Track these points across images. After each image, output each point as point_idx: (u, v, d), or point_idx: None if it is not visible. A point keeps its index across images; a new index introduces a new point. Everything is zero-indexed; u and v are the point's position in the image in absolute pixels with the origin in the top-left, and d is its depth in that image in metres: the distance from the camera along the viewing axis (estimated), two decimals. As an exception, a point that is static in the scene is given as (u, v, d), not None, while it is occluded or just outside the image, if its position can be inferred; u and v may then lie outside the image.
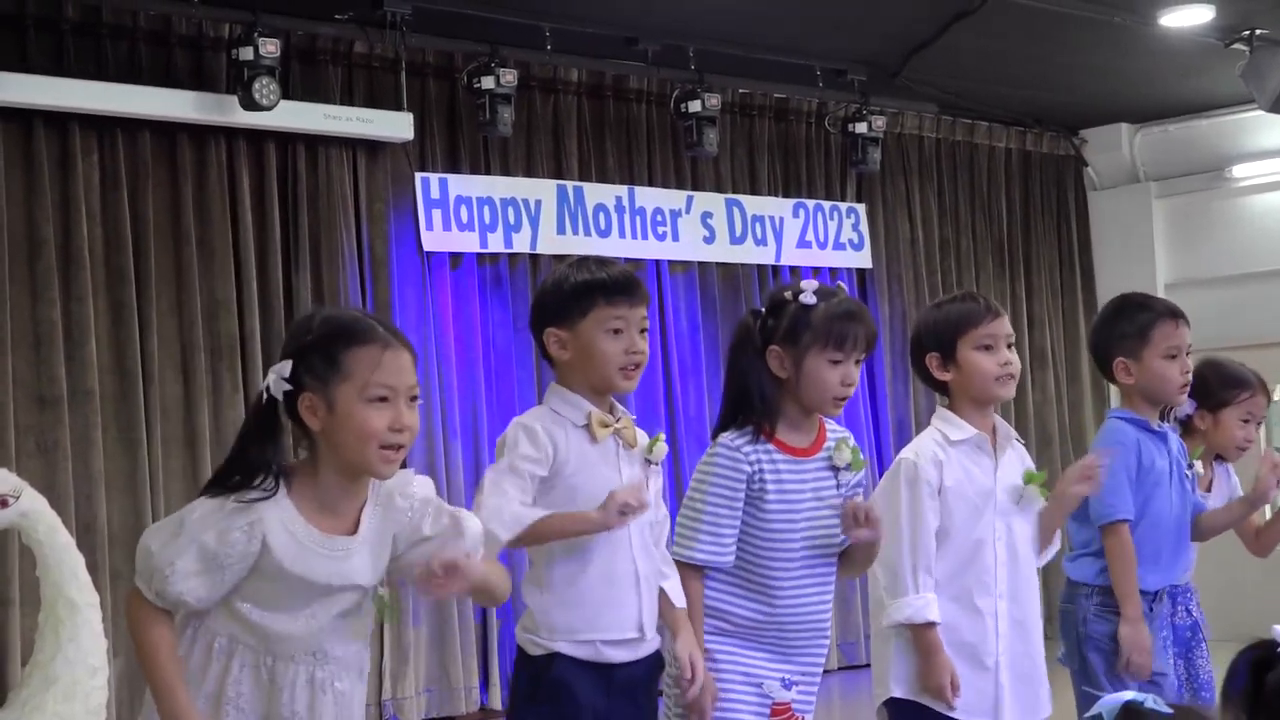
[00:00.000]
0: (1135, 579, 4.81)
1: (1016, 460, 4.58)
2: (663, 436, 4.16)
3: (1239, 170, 12.11)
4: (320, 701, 3.42)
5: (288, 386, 3.34)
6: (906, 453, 4.53)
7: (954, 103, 11.93)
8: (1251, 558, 5.53)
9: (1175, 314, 5.02)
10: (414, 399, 3.39)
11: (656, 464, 4.16)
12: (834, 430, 4.30)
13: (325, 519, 3.39)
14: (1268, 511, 5.66)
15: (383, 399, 3.32)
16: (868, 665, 7.84)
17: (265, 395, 3.38)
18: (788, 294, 4.20)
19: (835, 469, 4.23)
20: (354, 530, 3.42)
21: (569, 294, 4.02)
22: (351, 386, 3.31)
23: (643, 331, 4.03)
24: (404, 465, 3.49)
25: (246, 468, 3.35)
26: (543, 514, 3.89)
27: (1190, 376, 5.01)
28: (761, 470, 4.12)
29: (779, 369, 4.15)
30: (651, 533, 4.12)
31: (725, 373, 4.30)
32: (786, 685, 4.17)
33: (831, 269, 11.39)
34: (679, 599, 4.14)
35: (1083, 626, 4.88)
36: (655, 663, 4.10)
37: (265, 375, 3.42)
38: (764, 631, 4.16)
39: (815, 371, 4.12)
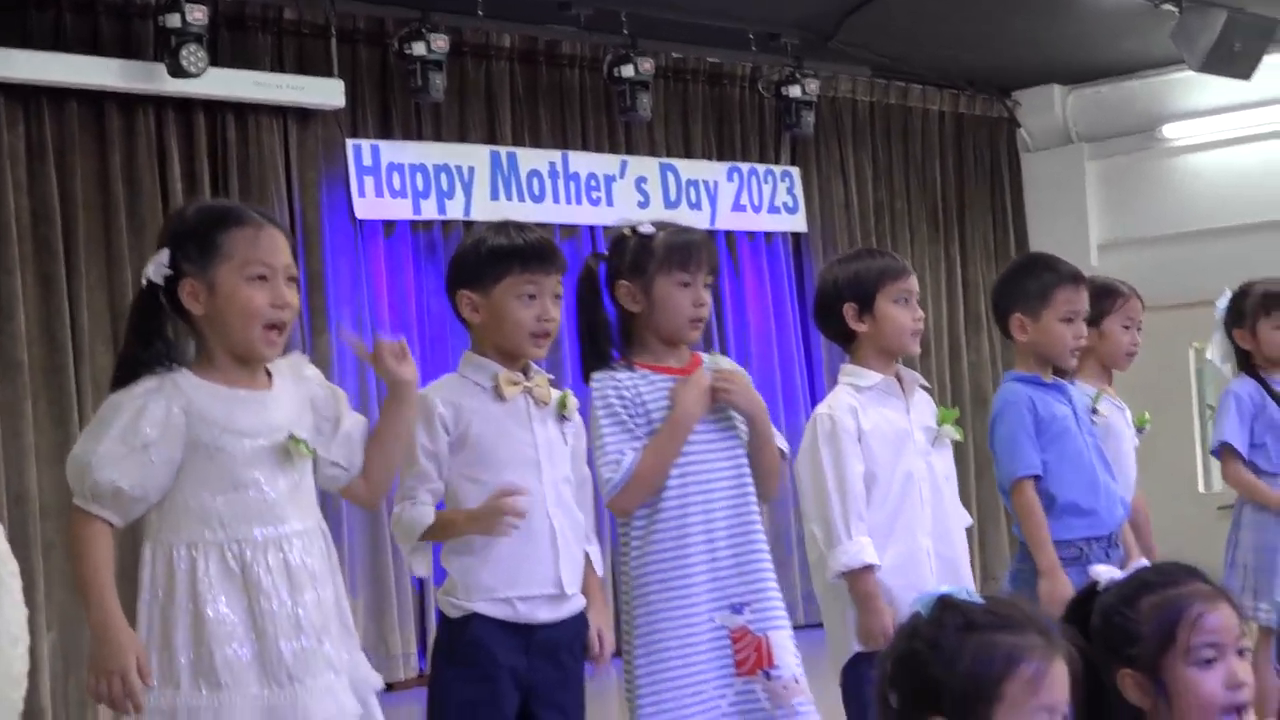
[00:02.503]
0: (1046, 531, 4.85)
1: (926, 403, 4.69)
2: (570, 392, 4.16)
3: (1170, 130, 12.16)
4: (298, 581, 3.44)
5: (169, 271, 3.41)
6: (820, 409, 4.63)
7: (887, 66, 11.93)
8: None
9: (1078, 279, 5.11)
10: (291, 279, 3.48)
11: (571, 420, 4.18)
12: (707, 355, 4.34)
13: (233, 385, 3.47)
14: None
15: (262, 277, 3.42)
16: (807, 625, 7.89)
17: (146, 285, 3.43)
18: (626, 231, 4.27)
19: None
20: (267, 388, 3.52)
21: (485, 258, 4.05)
22: (231, 266, 3.41)
23: (556, 299, 4.07)
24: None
25: (139, 362, 3.42)
26: (426, 520, 3.97)
27: (1084, 342, 5.07)
28: (640, 393, 4.16)
29: (630, 303, 4.20)
30: (575, 492, 4.13)
31: (576, 319, 4.31)
32: (737, 610, 4.18)
33: (766, 233, 11.41)
34: (598, 565, 4.22)
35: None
36: (579, 625, 4.12)
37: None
38: (691, 556, 4.15)
39: (666, 296, 4.16)
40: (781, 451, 4.34)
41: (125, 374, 3.43)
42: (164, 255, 3.43)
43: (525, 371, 4.11)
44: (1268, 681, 3.16)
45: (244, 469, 3.43)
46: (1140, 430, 5.69)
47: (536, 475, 4.02)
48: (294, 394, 3.57)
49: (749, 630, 4.18)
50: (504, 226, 4.16)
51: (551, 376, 4.23)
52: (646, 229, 4.23)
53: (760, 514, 4.31)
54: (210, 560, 3.39)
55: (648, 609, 4.13)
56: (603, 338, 4.22)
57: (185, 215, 3.57)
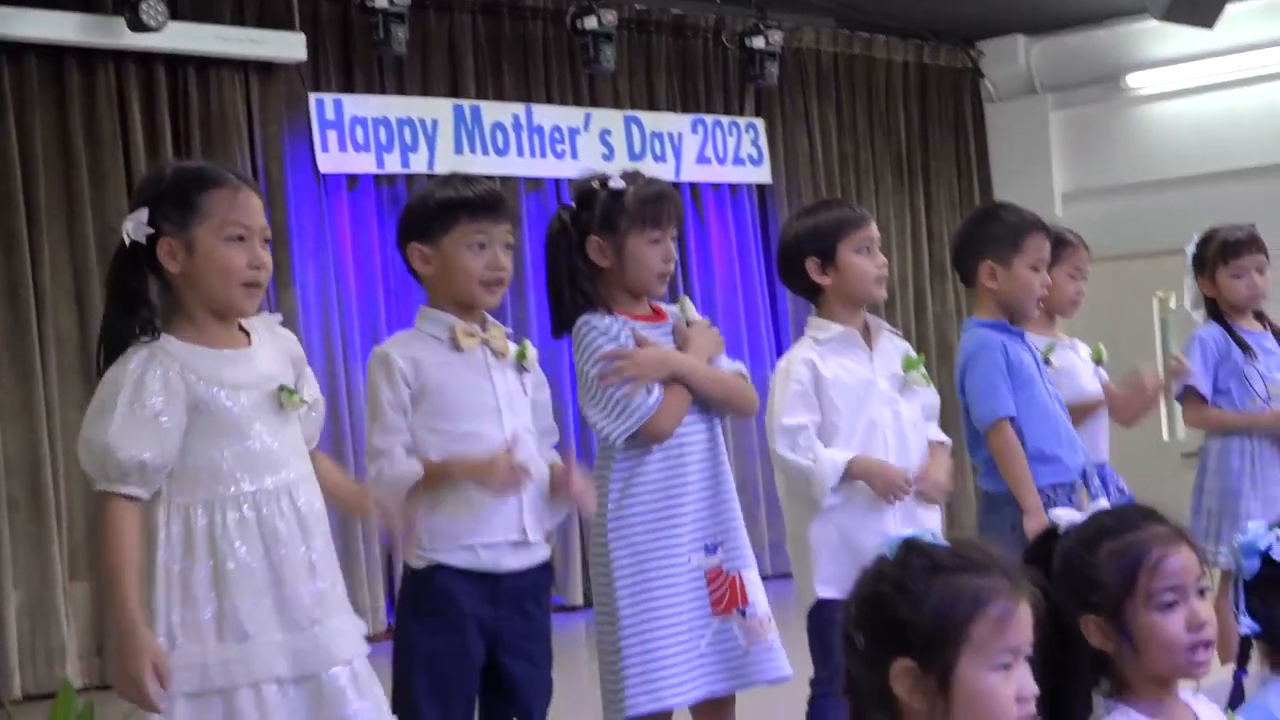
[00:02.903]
0: (1028, 471, 4.88)
1: (894, 350, 4.71)
2: (529, 343, 4.17)
3: (1134, 80, 12.18)
4: (309, 527, 3.51)
5: (150, 230, 3.44)
6: (780, 362, 4.69)
7: (851, 16, 11.92)
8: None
9: (1044, 228, 5.14)
10: (265, 240, 3.53)
11: (531, 371, 4.20)
12: (673, 305, 4.39)
13: (217, 344, 3.51)
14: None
15: (240, 238, 3.47)
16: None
17: (124, 244, 3.46)
18: (594, 184, 4.28)
19: (689, 323, 4.33)
20: (247, 345, 3.57)
21: (433, 210, 4.07)
22: (210, 226, 3.45)
23: (507, 248, 4.09)
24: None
25: (127, 331, 3.44)
26: (414, 473, 3.97)
27: (1047, 290, 5.09)
28: (619, 339, 4.18)
29: (600, 258, 4.23)
30: (536, 443, 4.14)
31: (546, 272, 4.34)
32: (711, 550, 4.23)
33: (731, 185, 11.40)
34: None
35: (1011, 533, 4.93)
36: (544, 575, 4.15)
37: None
38: (678, 498, 4.20)
39: (637, 253, 4.20)
40: (741, 374, 4.39)
41: (114, 344, 3.46)
42: (143, 214, 3.45)
43: (482, 324, 4.12)
44: (1228, 625, 3.18)
45: (245, 422, 3.48)
46: (1098, 364, 5.72)
47: (498, 424, 4.04)
48: (273, 348, 3.62)
49: (723, 570, 4.24)
50: (451, 179, 4.19)
51: (509, 330, 4.24)
52: (616, 184, 4.24)
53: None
54: (228, 514, 3.44)
55: (633, 551, 4.16)
56: (583, 286, 4.24)
57: (163, 175, 3.59)
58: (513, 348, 4.15)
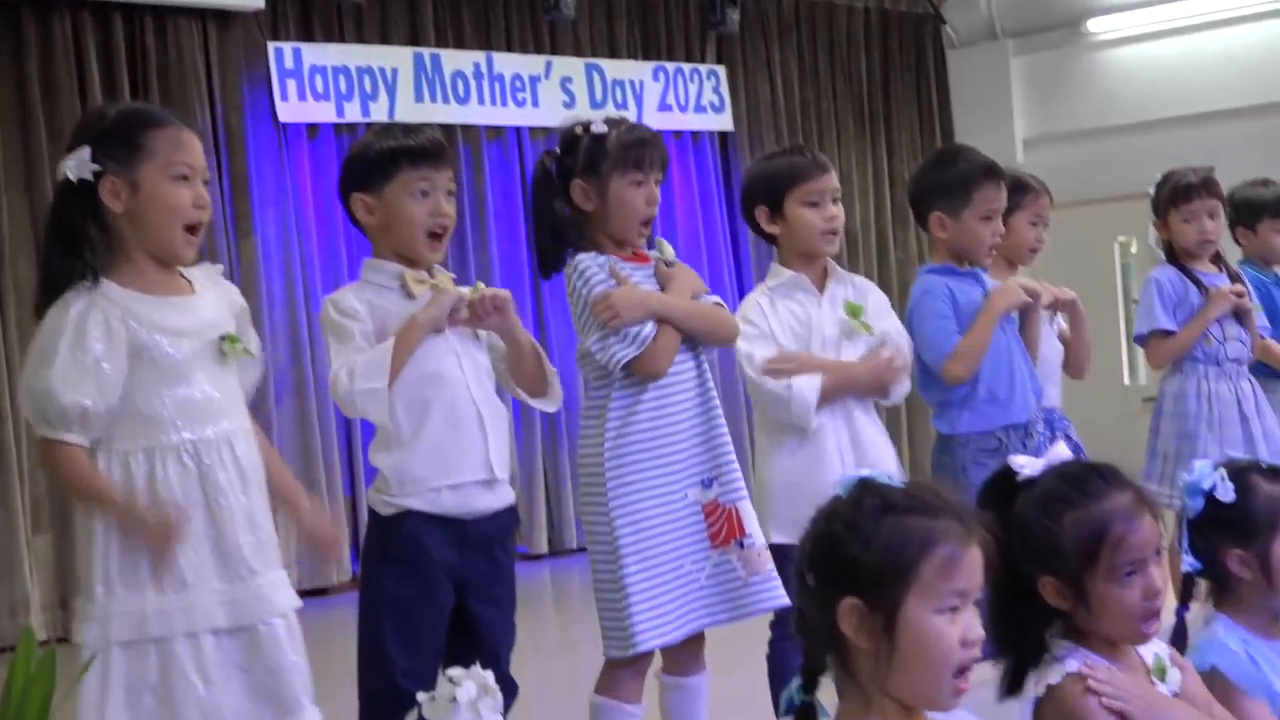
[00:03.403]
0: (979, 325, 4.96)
1: (848, 294, 4.70)
2: (481, 285, 4.17)
3: (1095, 25, 12.19)
4: (248, 477, 3.52)
5: (95, 167, 3.43)
6: (739, 308, 4.71)
7: (812, -38, 11.89)
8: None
9: (997, 174, 5.12)
10: (205, 182, 3.54)
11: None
12: (651, 249, 4.39)
13: (158, 291, 3.50)
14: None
15: (184, 177, 3.47)
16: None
17: (64, 184, 3.44)
18: (578, 129, 4.28)
19: (667, 265, 4.33)
20: (190, 293, 3.56)
21: (374, 159, 4.06)
22: (155, 165, 3.46)
23: (449, 195, 4.09)
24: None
25: (69, 272, 3.43)
26: (388, 343, 3.93)
27: (1000, 238, 5.10)
28: (607, 276, 4.18)
29: (584, 202, 4.23)
30: (490, 380, 4.15)
31: (532, 217, 4.36)
32: (707, 484, 4.25)
33: (693, 132, 11.38)
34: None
35: (962, 475, 4.95)
36: (509, 518, 4.15)
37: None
38: (675, 432, 4.21)
39: (620, 195, 4.20)
40: (719, 304, 4.40)
41: (53, 284, 3.44)
42: (85, 153, 3.44)
43: (429, 271, 4.12)
44: (1177, 563, 3.22)
45: (187, 370, 3.47)
46: (1054, 310, 5.72)
47: (456, 363, 4.04)
48: (216, 297, 3.61)
49: (719, 503, 4.26)
50: (391, 128, 4.19)
51: (454, 275, 4.23)
52: (599, 128, 4.24)
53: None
54: (168, 463, 3.43)
55: (631, 489, 4.17)
56: (569, 232, 4.25)
57: (104, 114, 3.57)
58: (465, 289, 4.14)
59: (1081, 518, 2.70)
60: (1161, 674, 2.73)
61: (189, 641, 3.40)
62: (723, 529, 4.24)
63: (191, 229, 3.50)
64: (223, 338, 3.54)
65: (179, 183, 3.46)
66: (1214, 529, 3.11)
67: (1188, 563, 3.14)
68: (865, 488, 2.41)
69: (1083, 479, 2.80)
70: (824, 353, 4.59)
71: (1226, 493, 3.08)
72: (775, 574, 4.26)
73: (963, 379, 4.93)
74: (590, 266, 4.17)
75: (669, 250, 4.42)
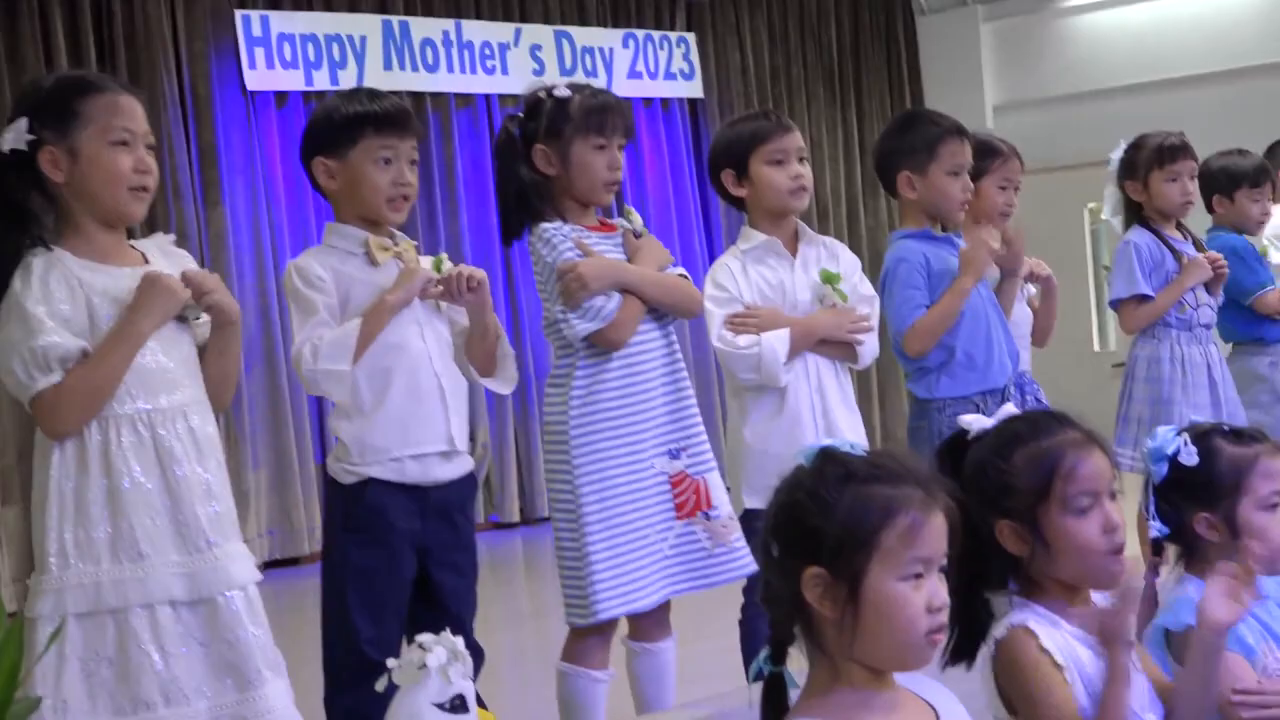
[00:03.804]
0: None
1: (821, 254, 4.70)
2: (445, 256, 4.16)
3: (1064, -9, 12.20)
4: (204, 448, 3.48)
5: (31, 137, 3.39)
6: (709, 272, 4.69)
7: (781, -72, 11.86)
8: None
9: (961, 132, 5.12)
10: (150, 146, 3.50)
11: None
12: (620, 218, 4.39)
13: (110, 261, 3.46)
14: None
15: (124, 142, 3.43)
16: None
17: (2, 157, 3.40)
18: (541, 94, 4.28)
19: (635, 234, 4.34)
20: (143, 264, 3.52)
21: (338, 124, 4.03)
22: (94, 131, 3.42)
23: (412, 164, 4.07)
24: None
25: (18, 244, 3.39)
26: (355, 323, 3.92)
27: (970, 195, 5.10)
28: (572, 246, 4.18)
29: (546, 166, 4.23)
30: (450, 351, 4.14)
31: (496, 181, 4.34)
32: (675, 455, 4.26)
33: (663, 99, 11.36)
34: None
35: (938, 440, 4.96)
36: (469, 485, 4.15)
37: None
38: (641, 402, 4.21)
39: (582, 159, 4.20)
40: (684, 275, 4.40)
41: (3, 261, 3.39)
42: (22, 123, 3.40)
43: (391, 239, 4.10)
44: (1145, 529, 3.24)
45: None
46: (1029, 280, 5.74)
47: (419, 334, 4.03)
48: (169, 268, 3.56)
49: (687, 474, 4.26)
50: (356, 93, 4.17)
51: (416, 243, 4.22)
52: (562, 92, 4.24)
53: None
54: (122, 432, 3.40)
55: (597, 457, 4.17)
56: (533, 197, 4.23)
57: (41, 85, 3.54)
58: (427, 260, 4.12)
59: (1032, 452, 2.71)
60: None
61: (146, 613, 3.37)
62: (689, 500, 4.25)
63: (137, 190, 3.46)
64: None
65: (118, 148, 3.42)
66: (1180, 494, 3.11)
67: (1155, 528, 3.14)
68: (827, 457, 2.41)
69: (1034, 420, 2.82)
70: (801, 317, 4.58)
71: (1190, 457, 3.08)
72: (742, 544, 4.27)
73: (922, 354, 4.93)
74: (556, 235, 4.16)
75: (637, 219, 4.41)
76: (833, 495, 2.33)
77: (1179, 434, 3.13)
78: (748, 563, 4.27)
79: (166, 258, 3.59)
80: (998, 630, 2.71)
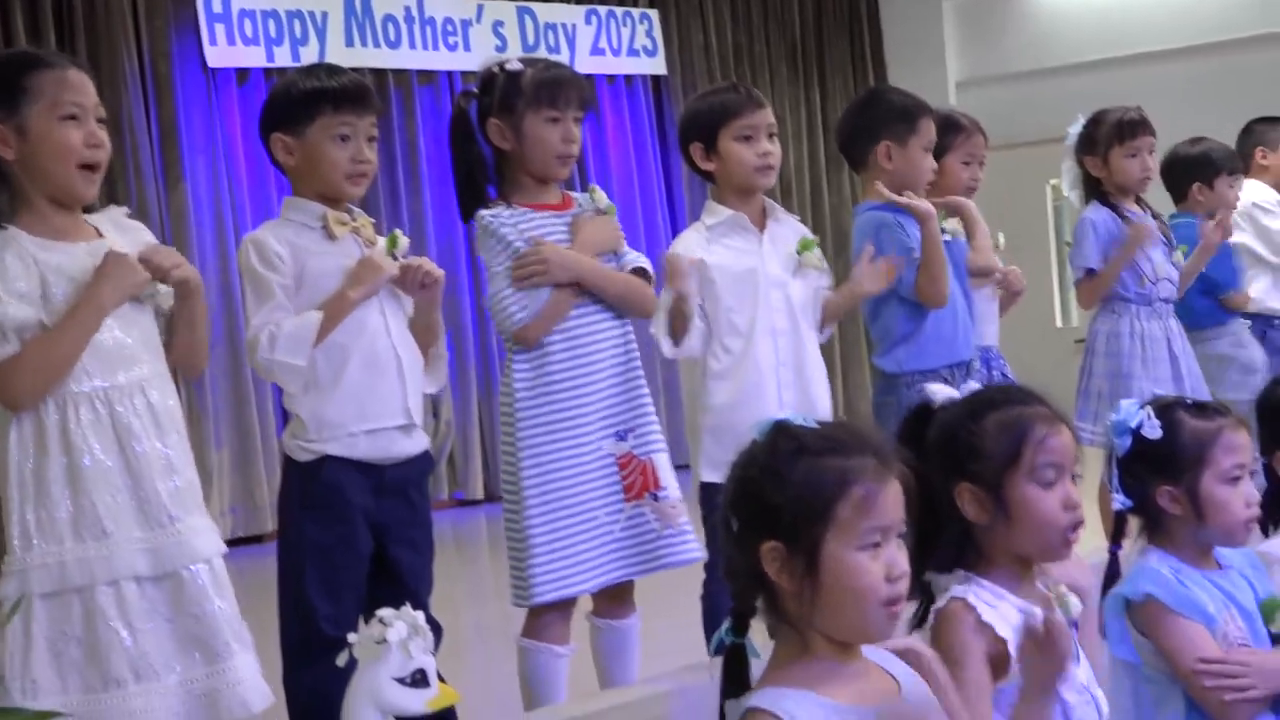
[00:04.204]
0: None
1: (788, 233, 4.70)
2: (399, 232, 4.15)
3: (1026, -33, 12.21)
4: (163, 423, 3.47)
5: None
6: (671, 247, 4.67)
7: (744, -96, 11.83)
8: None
9: (931, 110, 5.18)
10: (101, 120, 3.47)
11: (402, 258, 4.15)
12: (582, 194, 4.39)
13: (65, 239, 3.44)
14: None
15: (74, 117, 3.41)
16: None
17: None
18: (495, 68, 4.28)
19: (599, 211, 4.32)
20: (97, 238, 3.50)
21: (297, 100, 4.01)
22: (42, 106, 3.40)
23: (371, 141, 4.05)
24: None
25: None
26: (315, 317, 3.90)
27: (934, 175, 5.16)
28: (523, 231, 4.17)
29: (500, 140, 4.22)
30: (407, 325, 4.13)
31: (452, 160, 4.34)
32: (622, 436, 4.26)
33: (626, 76, 11.34)
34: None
35: (901, 413, 4.97)
36: (425, 462, 4.15)
37: None
38: (588, 383, 4.21)
39: (535, 132, 4.19)
40: (643, 269, 4.37)
41: None
42: None
43: (349, 214, 4.08)
44: (1108, 502, 3.27)
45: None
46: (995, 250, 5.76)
47: (378, 309, 4.01)
48: (124, 243, 3.55)
49: (634, 455, 4.27)
50: (315, 69, 4.13)
51: (375, 220, 4.20)
52: (514, 66, 4.23)
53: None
54: (80, 410, 3.39)
55: (542, 439, 4.17)
56: (480, 176, 4.23)
57: None
58: (380, 239, 4.11)
59: (1004, 417, 2.74)
60: (1064, 604, 2.76)
61: (111, 590, 3.37)
62: (637, 481, 4.25)
63: (89, 168, 3.44)
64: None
65: (68, 123, 3.40)
66: (1143, 467, 3.14)
67: (1118, 501, 3.17)
68: (780, 430, 2.42)
69: (1005, 390, 2.90)
70: (770, 291, 4.57)
71: (1154, 430, 3.11)
72: (689, 527, 4.28)
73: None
74: (494, 222, 4.16)
75: (601, 196, 4.40)
76: (786, 469, 2.35)
77: (1142, 407, 3.16)
78: (695, 548, 4.29)
79: (122, 232, 3.58)
80: (939, 600, 2.73)
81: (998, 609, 2.70)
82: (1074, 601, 2.76)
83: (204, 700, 3.45)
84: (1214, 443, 3.11)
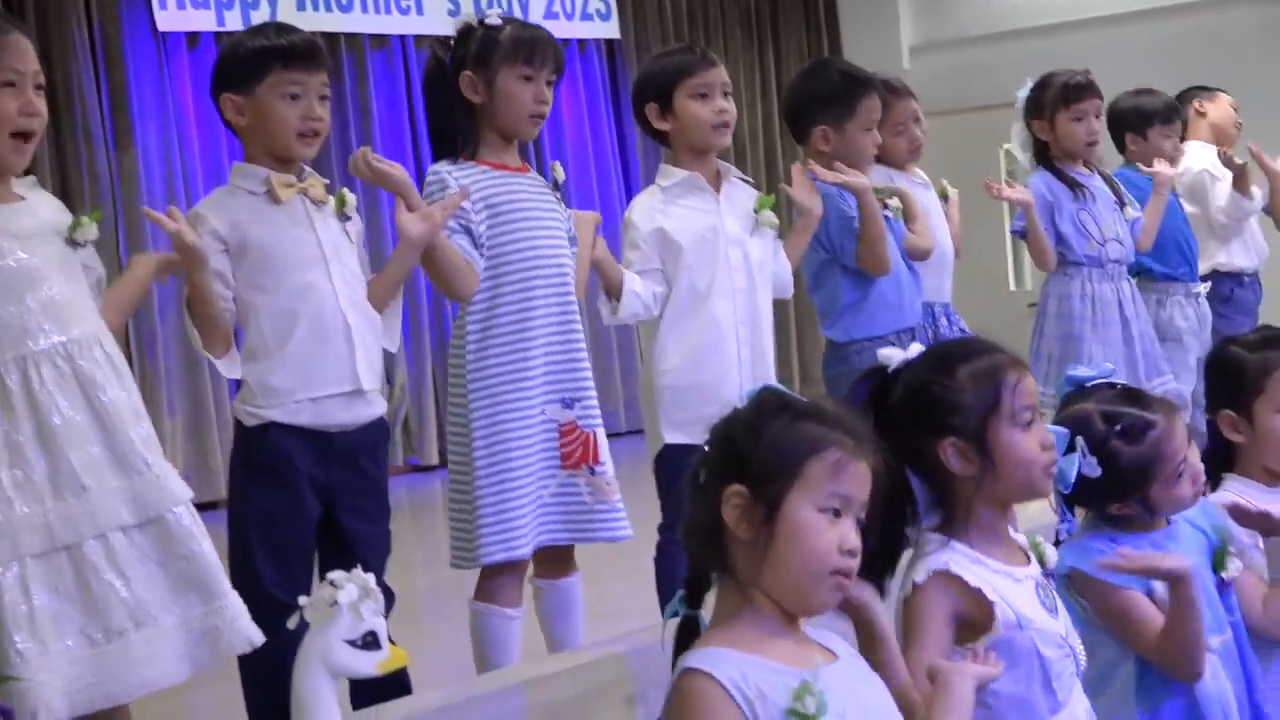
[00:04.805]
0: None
1: (742, 195, 4.71)
2: (347, 190, 4.14)
3: (980, -70, 12.21)
4: (122, 372, 3.48)
5: None
6: (627, 212, 4.69)
7: None
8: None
9: (876, 85, 5.21)
10: (39, 87, 3.42)
11: (353, 218, 4.16)
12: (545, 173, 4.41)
13: None
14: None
15: (10, 84, 3.36)
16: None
17: None
18: (473, 22, 4.28)
19: (556, 184, 4.36)
20: (25, 199, 3.48)
21: (246, 59, 3.98)
22: None
23: (323, 99, 4.02)
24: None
25: None
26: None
27: (878, 148, 5.24)
28: (475, 184, 4.18)
29: (472, 93, 4.22)
30: (361, 285, 4.10)
31: (426, 112, 4.36)
32: (568, 404, 4.27)
33: (579, 40, 11.31)
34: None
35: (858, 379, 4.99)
36: (378, 430, 4.12)
37: None
38: (533, 345, 4.22)
39: (508, 88, 4.20)
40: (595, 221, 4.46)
41: None
42: None
43: (299, 175, 4.05)
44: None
45: (42, 271, 3.40)
46: (944, 200, 5.79)
47: (325, 273, 3.98)
48: (48, 202, 3.55)
49: (578, 425, 4.28)
50: (264, 27, 4.12)
51: (326, 181, 4.15)
52: (494, 21, 4.24)
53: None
54: (42, 368, 3.37)
55: (492, 399, 4.18)
56: (452, 127, 4.24)
57: None
58: (330, 199, 4.09)
59: (976, 368, 2.74)
60: (1040, 553, 2.78)
61: (99, 543, 3.36)
62: (576, 451, 4.27)
63: (22, 136, 3.39)
64: (70, 227, 3.48)
65: (4, 90, 3.35)
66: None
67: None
68: (768, 391, 2.45)
69: (964, 342, 2.89)
70: (729, 249, 4.58)
71: (1091, 469, 3.11)
72: (621, 506, 4.31)
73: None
74: (450, 175, 4.17)
75: (560, 173, 4.42)
76: (766, 423, 2.37)
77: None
78: (625, 527, 4.32)
79: (40, 195, 3.55)
80: (918, 574, 2.71)
81: (978, 574, 2.71)
82: (1050, 551, 2.81)
83: (206, 638, 3.46)
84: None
